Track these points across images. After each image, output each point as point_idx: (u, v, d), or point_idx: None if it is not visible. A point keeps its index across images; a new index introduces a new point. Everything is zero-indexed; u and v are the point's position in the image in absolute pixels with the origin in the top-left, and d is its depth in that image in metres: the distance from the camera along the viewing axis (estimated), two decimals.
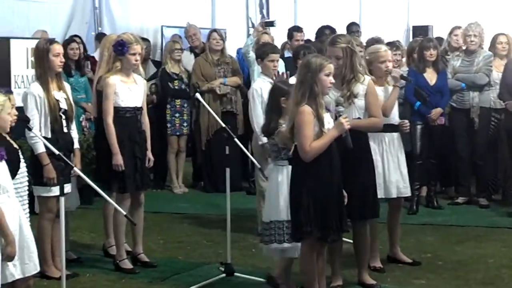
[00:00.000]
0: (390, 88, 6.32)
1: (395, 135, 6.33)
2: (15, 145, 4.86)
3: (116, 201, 5.73)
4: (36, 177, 5.85)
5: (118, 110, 6.20)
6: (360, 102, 5.66)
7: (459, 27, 9.20)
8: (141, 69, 6.53)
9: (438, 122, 8.23)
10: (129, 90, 6.25)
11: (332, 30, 9.90)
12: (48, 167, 5.85)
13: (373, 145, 6.05)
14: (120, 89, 6.19)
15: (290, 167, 5.35)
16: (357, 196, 5.53)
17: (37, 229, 5.94)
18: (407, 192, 6.42)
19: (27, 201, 5.03)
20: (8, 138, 4.82)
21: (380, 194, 6.07)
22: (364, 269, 5.88)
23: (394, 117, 6.32)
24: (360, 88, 5.66)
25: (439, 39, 9.43)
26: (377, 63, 6.25)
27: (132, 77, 6.31)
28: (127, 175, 6.19)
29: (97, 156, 6.65)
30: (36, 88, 5.95)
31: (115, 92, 6.17)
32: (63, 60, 6.12)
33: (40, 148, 5.82)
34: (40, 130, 5.83)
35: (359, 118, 5.66)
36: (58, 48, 6.04)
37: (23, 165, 4.92)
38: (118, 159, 6.14)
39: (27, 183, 5.01)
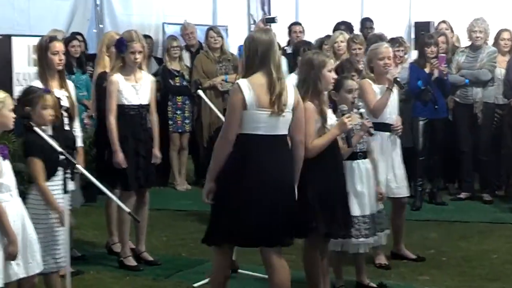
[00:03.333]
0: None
1: (389, 134, 6.25)
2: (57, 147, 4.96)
3: (121, 199, 5.72)
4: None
5: (123, 108, 6.18)
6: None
7: (443, 21, 9.47)
8: (143, 66, 6.49)
9: (440, 68, 8.09)
10: (133, 88, 6.22)
11: (348, 25, 9.90)
12: None
13: None
14: (124, 87, 6.17)
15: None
16: None
17: None
18: (400, 193, 6.33)
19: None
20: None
21: None
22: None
23: (391, 115, 6.27)
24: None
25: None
26: (376, 59, 6.24)
27: (137, 74, 6.27)
28: (129, 172, 6.18)
29: (97, 153, 6.64)
30: (36, 85, 5.94)
31: (119, 90, 6.15)
32: (62, 58, 6.05)
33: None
34: None
35: None
36: (58, 46, 6.02)
37: None
38: (118, 156, 6.13)
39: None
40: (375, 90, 6.18)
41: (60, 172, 4.92)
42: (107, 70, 6.52)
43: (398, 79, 6.19)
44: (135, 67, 6.25)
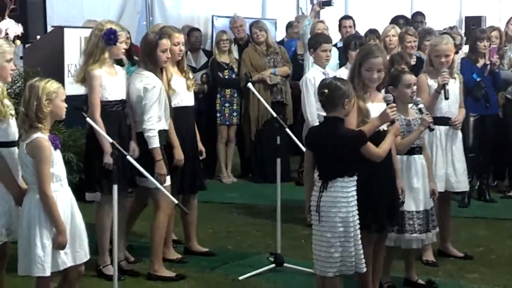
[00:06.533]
0: (454, 81, 6.20)
1: (448, 128, 6.24)
2: None
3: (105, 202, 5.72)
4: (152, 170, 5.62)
5: (105, 104, 5.74)
6: None
7: None
8: (124, 58, 6.29)
9: (492, 59, 7.95)
10: (115, 82, 5.81)
11: (407, 19, 9.82)
12: (160, 163, 5.70)
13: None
14: (107, 81, 5.74)
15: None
16: None
17: (155, 223, 5.89)
18: (460, 187, 6.33)
19: None
20: None
21: None
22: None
23: (451, 109, 6.23)
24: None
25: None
26: (433, 56, 6.20)
27: (114, 68, 5.89)
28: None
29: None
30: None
31: (102, 85, 5.71)
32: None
33: (155, 143, 5.70)
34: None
35: None
36: (165, 44, 5.87)
37: None
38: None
39: None
40: (430, 85, 6.14)
41: None
42: None
43: (447, 88, 6.07)
44: (118, 58, 6.03)
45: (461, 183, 6.32)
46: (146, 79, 5.81)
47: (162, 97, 5.80)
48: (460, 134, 6.34)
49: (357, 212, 4.76)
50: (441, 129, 6.18)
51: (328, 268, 4.73)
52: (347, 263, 4.73)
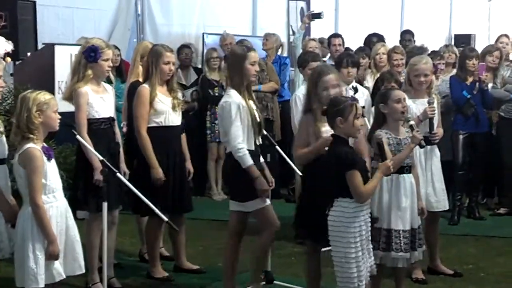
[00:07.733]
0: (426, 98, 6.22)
1: (426, 147, 6.24)
2: None
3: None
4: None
5: (92, 121, 5.74)
6: None
7: (505, 35, 9.10)
8: (111, 75, 6.21)
9: (481, 77, 7.96)
10: (102, 100, 5.81)
11: (380, 37, 9.87)
12: (259, 180, 5.49)
13: None
14: (93, 99, 5.74)
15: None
16: None
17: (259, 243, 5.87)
18: (439, 206, 6.29)
19: None
20: None
21: None
22: None
23: (434, 129, 6.23)
24: None
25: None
26: (413, 75, 6.19)
27: (102, 85, 5.89)
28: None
29: (128, 161, 6.31)
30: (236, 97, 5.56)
31: (88, 102, 5.70)
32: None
33: (246, 162, 5.46)
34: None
35: None
36: (254, 57, 5.64)
37: None
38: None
39: None
40: (408, 105, 6.14)
41: None
42: (140, 79, 6.47)
43: (433, 122, 6.14)
44: (104, 76, 5.99)
45: (441, 202, 6.29)
46: (226, 97, 5.61)
47: (244, 115, 5.52)
48: (438, 152, 6.31)
49: (361, 234, 4.78)
50: (420, 149, 6.16)
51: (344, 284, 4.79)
52: (349, 284, 4.76)
